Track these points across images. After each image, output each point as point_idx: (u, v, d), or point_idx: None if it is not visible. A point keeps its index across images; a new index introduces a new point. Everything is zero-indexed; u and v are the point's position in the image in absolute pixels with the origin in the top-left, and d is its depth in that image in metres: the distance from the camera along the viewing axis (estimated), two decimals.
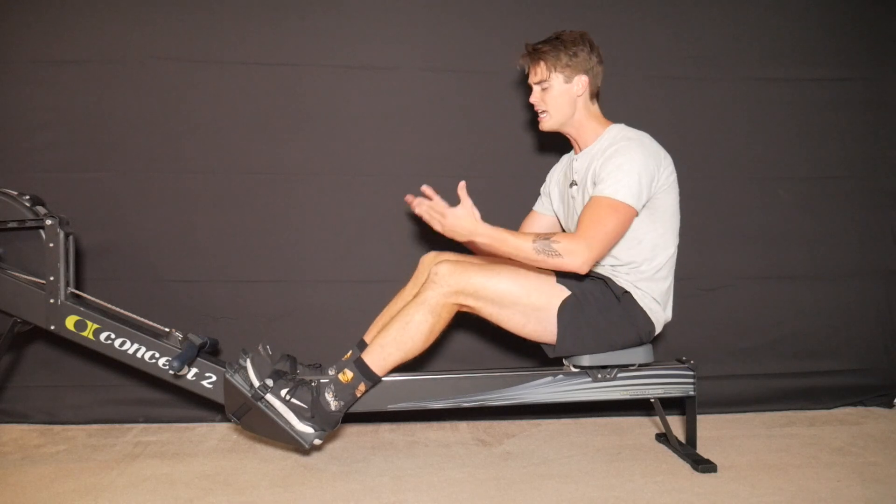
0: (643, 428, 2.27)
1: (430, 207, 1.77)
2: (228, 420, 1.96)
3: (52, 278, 1.88)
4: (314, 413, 1.81)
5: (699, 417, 2.04)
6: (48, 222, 1.87)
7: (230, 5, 2.33)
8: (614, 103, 2.44)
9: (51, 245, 1.88)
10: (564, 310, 1.83)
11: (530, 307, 1.82)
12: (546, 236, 1.74)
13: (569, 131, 1.99)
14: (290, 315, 2.35)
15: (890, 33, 2.55)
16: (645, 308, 1.88)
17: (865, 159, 2.54)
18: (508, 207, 2.28)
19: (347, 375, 1.81)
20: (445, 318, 1.82)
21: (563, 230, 2.11)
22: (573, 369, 1.95)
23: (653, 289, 1.90)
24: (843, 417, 2.39)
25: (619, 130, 1.92)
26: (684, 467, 1.93)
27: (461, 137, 2.41)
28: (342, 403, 1.81)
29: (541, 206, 2.21)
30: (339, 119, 2.38)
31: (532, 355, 2.40)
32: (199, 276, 2.33)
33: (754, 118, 2.50)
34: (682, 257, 2.45)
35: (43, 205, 1.95)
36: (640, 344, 1.93)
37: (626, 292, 1.87)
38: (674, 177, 1.90)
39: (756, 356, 2.49)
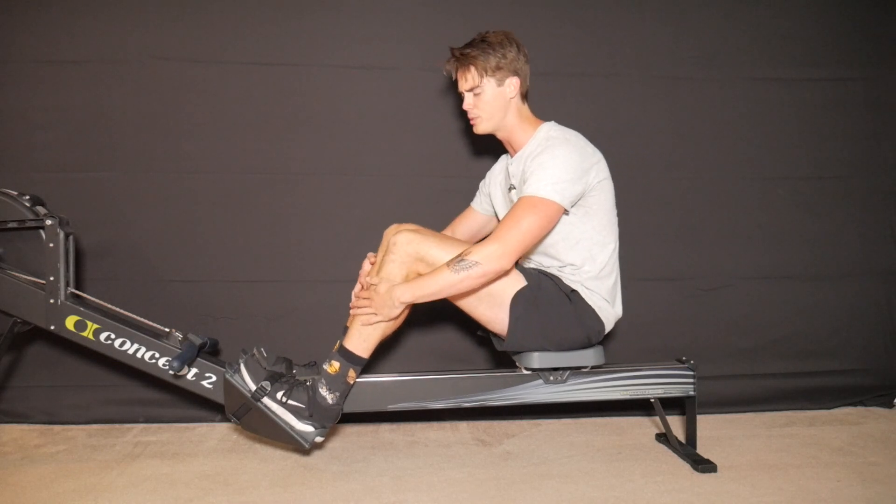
0: (643, 428, 2.27)
1: (360, 302, 1.83)
2: (228, 420, 1.96)
3: (52, 278, 1.88)
4: (312, 411, 1.81)
5: (699, 417, 2.04)
6: (48, 222, 1.87)
7: (230, 5, 2.33)
8: (614, 103, 2.46)
9: (51, 245, 1.88)
10: (518, 300, 1.83)
11: (484, 291, 1.82)
12: (458, 256, 1.74)
13: (502, 135, 1.96)
14: (289, 315, 2.35)
15: (890, 33, 2.55)
16: (594, 306, 1.88)
17: (865, 159, 2.54)
18: None
19: (335, 366, 1.82)
20: None
21: None
22: (525, 372, 1.94)
23: (599, 287, 1.90)
24: (843, 417, 2.39)
25: (548, 130, 1.91)
26: (684, 467, 1.93)
27: (461, 137, 2.41)
28: (338, 395, 1.81)
29: (478, 203, 2.19)
30: (339, 119, 2.38)
31: None
32: (199, 276, 2.33)
33: (754, 118, 2.50)
34: (682, 257, 2.47)
35: (43, 205, 1.95)
36: (589, 343, 1.92)
37: (575, 291, 1.87)
38: (605, 173, 1.89)
39: (756, 356, 2.49)
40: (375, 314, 1.81)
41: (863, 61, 2.54)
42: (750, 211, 2.50)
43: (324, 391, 1.81)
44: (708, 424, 2.26)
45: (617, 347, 2.44)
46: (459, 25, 2.39)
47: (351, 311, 1.92)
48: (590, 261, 1.88)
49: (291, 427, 1.82)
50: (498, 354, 2.40)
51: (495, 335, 1.95)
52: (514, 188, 1.95)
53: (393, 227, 1.96)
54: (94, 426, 2.27)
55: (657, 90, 2.46)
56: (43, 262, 1.88)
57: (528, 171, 1.80)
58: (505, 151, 2.08)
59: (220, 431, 2.23)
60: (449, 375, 1.95)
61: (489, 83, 1.88)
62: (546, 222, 1.78)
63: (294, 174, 2.36)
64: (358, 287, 2.00)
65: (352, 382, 1.84)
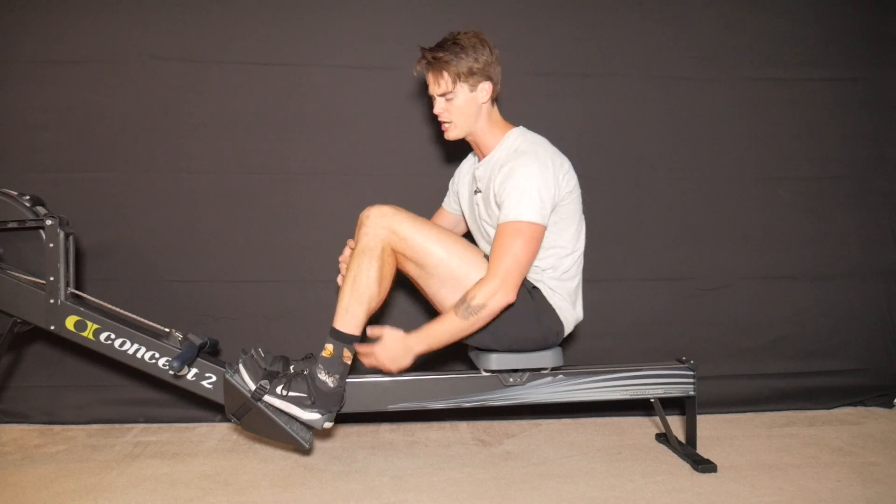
0: (643, 428, 2.27)
1: (366, 356, 1.81)
2: (228, 420, 1.96)
3: (52, 278, 1.88)
4: (315, 398, 1.80)
5: (699, 417, 2.04)
6: (48, 222, 1.87)
7: (230, 5, 2.33)
8: (614, 103, 2.46)
9: (51, 245, 1.88)
10: None
11: (449, 274, 1.81)
12: (462, 300, 1.74)
13: (472, 139, 1.94)
14: (290, 315, 2.35)
15: (890, 33, 2.55)
16: (555, 306, 1.88)
17: (865, 159, 2.54)
18: None
19: (329, 349, 1.81)
20: (389, 261, 1.82)
21: (470, 232, 2.09)
22: (484, 373, 1.93)
23: (561, 287, 1.89)
24: (843, 417, 2.39)
25: (515, 140, 1.88)
26: (684, 467, 1.93)
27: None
28: (338, 377, 1.81)
29: (448, 203, 2.19)
30: (339, 119, 2.38)
31: None
32: (199, 276, 2.33)
33: (754, 118, 2.50)
34: (682, 257, 2.47)
35: (43, 205, 1.94)
36: (547, 345, 1.91)
37: (536, 288, 1.87)
38: (574, 181, 1.88)
39: (756, 356, 2.49)
40: (374, 360, 1.80)
41: (863, 61, 2.54)
42: (750, 211, 2.50)
43: (323, 376, 1.80)
44: (708, 424, 2.26)
45: (617, 347, 2.44)
46: (459, 25, 2.39)
47: (339, 282, 1.89)
48: (553, 268, 1.88)
49: (298, 418, 1.81)
50: None
51: None
52: (480, 192, 1.94)
53: (367, 210, 1.92)
54: (94, 426, 2.27)
55: (657, 90, 2.46)
56: (43, 262, 1.88)
57: (504, 194, 1.78)
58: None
59: (220, 431, 2.23)
60: (449, 375, 1.95)
61: (462, 89, 1.84)
62: (535, 245, 1.78)
63: (294, 174, 2.36)
64: (342, 266, 1.98)
65: (349, 362, 1.83)
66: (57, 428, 2.25)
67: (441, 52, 1.83)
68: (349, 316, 1.81)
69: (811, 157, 2.52)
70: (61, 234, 1.88)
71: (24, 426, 2.26)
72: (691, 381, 2.00)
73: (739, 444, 2.11)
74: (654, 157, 2.47)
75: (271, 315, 2.35)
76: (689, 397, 2.02)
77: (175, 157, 2.32)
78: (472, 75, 1.83)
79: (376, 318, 1.94)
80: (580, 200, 1.92)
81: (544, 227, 1.79)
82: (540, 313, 1.87)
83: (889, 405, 2.50)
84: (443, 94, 1.86)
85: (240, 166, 2.34)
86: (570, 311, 1.92)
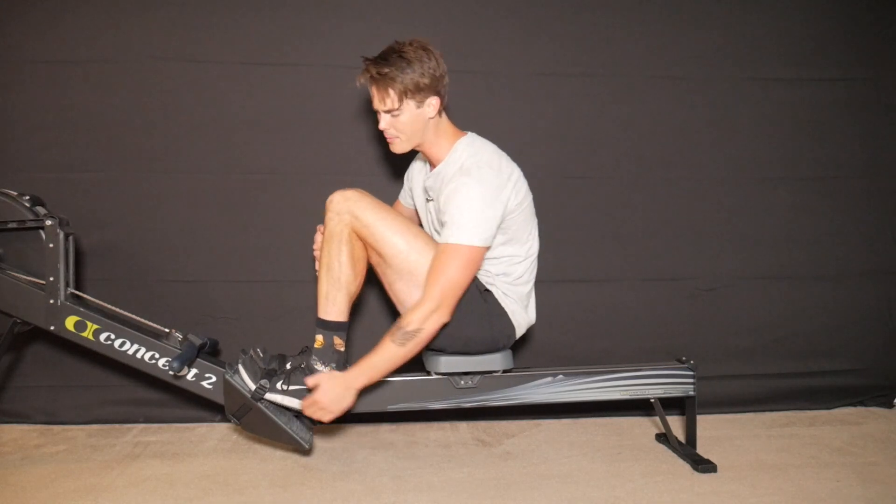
0: (643, 428, 2.27)
1: (308, 407, 1.77)
2: (228, 420, 1.96)
3: (51, 279, 1.88)
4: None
5: (699, 417, 2.04)
6: (48, 223, 1.87)
7: (230, 5, 2.33)
8: (615, 103, 2.46)
9: (51, 245, 1.88)
10: None
11: (406, 266, 1.79)
12: (398, 326, 1.71)
13: (420, 150, 1.89)
14: (290, 315, 2.35)
15: (890, 33, 2.55)
16: (507, 309, 1.87)
17: (865, 159, 2.54)
18: None
19: (319, 340, 1.81)
20: (358, 244, 1.80)
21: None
22: (433, 376, 1.92)
23: (513, 291, 1.88)
24: (843, 417, 2.39)
25: (462, 153, 1.82)
26: (684, 467, 1.93)
27: None
28: (333, 366, 1.81)
29: (404, 197, 2.17)
30: (338, 119, 2.37)
31: (532, 355, 2.40)
32: (199, 276, 2.33)
33: (754, 118, 2.50)
34: (682, 257, 2.47)
35: (43, 205, 1.95)
36: (498, 346, 1.90)
37: (489, 291, 1.86)
38: (522, 192, 1.84)
39: (756, 356, 2.49)
40: (317, 408, 1.76)
41: (863, 61, 2.53)
42: (750, 211, 2.50)
43: (319, 366, 1.81)
44: (708, 424, 2.26)
45: (617, 347, 2.44)
46: (460, 25, 2.40)
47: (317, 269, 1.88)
48: (505, 275, 1.87)
49: (300, 411, 1.81)
50: None
51: None
52: (432, 200, 1.92)
53: (333, 193, 1.89)
54: (94, 426, 2.27)
55: (658, 90, 2.46)
56: (43, 262, 1.88)
57: (447, 214, 1.75)
58: None
59: (220, 431, 2.23)
60: (449, 375, 1.95)
61: (409, 105, 1.76)
62: (473, 267, 1.75)
63: (294, 174, 2.36)
64: (316, 252, 1.96)
65: (342, 349, 1.83)
66: (57, 428, 2.25)
67: (386, 66, 1.73)
68: (330, 303, 1.80)
69: (811, 157, 2.52)
70: (61, 234, 1.88)
71: (24, 426, 2.26)
72: (691, 381, 2.00)
73: (739, 444, 2.12)
74: (654, 157, 2.47)
75: (271, 315, 2.35)
76: (689, 397, 2.02)
77: (175, 157, 2.32)
78: (419, 91, 1.75)
79: (358, 305, 1.93)
80: (531, 207, 1.90)
81: (485, 249, 1.76)
82: (492, 316, 1.85)
83: (889, 405, 2.50)
84: (388, 111, 1.78)
85: (240, 166, 2.34)
86: (522, 314, 1.91)
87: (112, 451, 2.05)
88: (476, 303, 1.83)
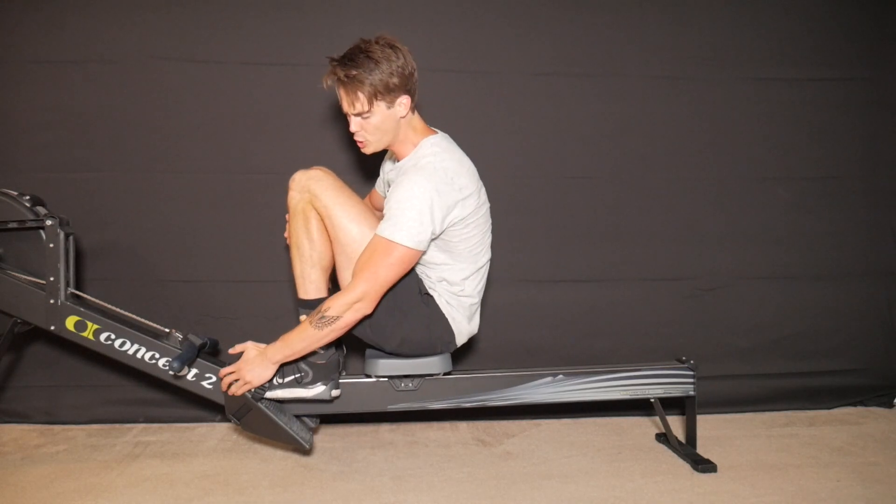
0: (643, 428, 2.27)
1: (228, 377, 1.78)
2: (228, 420, 1.96)
3: (52, 279, 1.88)
4: (312, 373, 1.80)
5: (699, 417, 2.04)
6: (48, 223, 1.87)
7: (230, 5, 2.33)
8: (615, 103, 2.46)
9: (51, 245, 1.88)
10: None
11: (355, 256, 1.75)
12: (318, 310, 1.70)
13: (391, 148, 1.84)
14: (290, 315, 2.35)
15: (890, 33, 2.55)
16: (448, 316, 1.83)
17: (865, 159, 2.54)
18: (514, 206, 2.27)
19: (303, 320, 1.78)
20: (320, 217, 1.78)
21: None
22: (372, 378, 1.90)
23: (456, 301, 1.84)
24: (843, 417, 2.39)
25: (424, 151, 1.77)
26: (684, 467, 1.93)
27: (460, 137, 2.40)
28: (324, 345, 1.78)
29: (380, 186, 2.13)
30: (338, 119, 2.37)
31: (532, 355, 2.40)
32: (199, 276, 2.33)
33: (754, 118, 2.50)
34: (682, 257, 2.47)
35: (43, 205, 1.95)
36: (436, 351, 1.87)
37: (430, 295, 1.82)
38: (473, 208, 1.76)
39: (756, 356, 2.49)
40: (239, 379, 1.77)
41: (863, 61, 2.53)
42: (750, 211, 2.50)
43: None
44: (708, 424, 2.26)
45: (617, 347, 2.44)
46: (459, 25, 2.40)
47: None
48: (445, 282, 1.83)
49: (304, 398, 1.81)
50: (497, 354, 2.40)
51: None
52: None
53: (295, 172, 1.85)
54: (94, 426, 2.27)
55: (657, 90, 2.46)
56: (43, 262, 1.88)
57: (388, 205, 1.70)
58: None
59: (220, 431, 2.23)
60: (449, 375, 1.95)
61: (379, 107, 1.70)
62: (402, 266, 1.70)
63: (294, 174, 2.35)
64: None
65: None
66: (57, 428, 2.25)
67: (354, 68, 1.66)
68: (307, 281, 1.80)
69: (811, 157, 2.52)
70: (61, 234, 1.88)
71: (24, 426, 2.26)
72: (691, 381, 2.00)
73: (739, 444, 2.12)
74: (655, 156, 2.47)
75: (271, 315, 2.35)
76: (689, 397, 2.02)
77: (175, 157, 2.32)
78: (389, 92, 1.68)
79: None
80: (484, 223, 1.83)
81: (418, 253, 1.70)
82: (431, 321, 1.82)
83: (889, 405, 2.50)
84: (358, 114, 1.72)
85: (240, 166, 2.34)
86: (464, 324, 1.87)
87: (112, 451, 2.05)
88: (415, 305, 1.80)
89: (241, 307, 2.34)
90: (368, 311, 1.71)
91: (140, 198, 2.31)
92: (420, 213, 1.66)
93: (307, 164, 2.34)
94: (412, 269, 1.80)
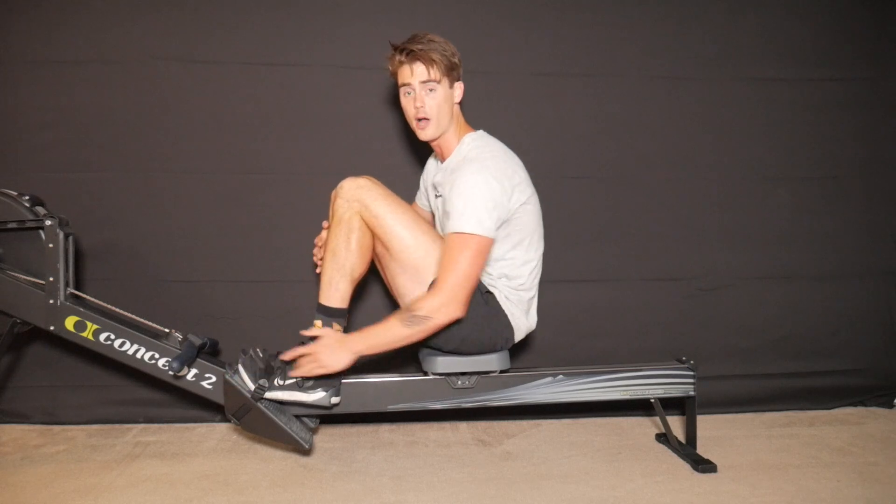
0: (643, 428, 2.27)
1: (302, 358, 1.76)
2: (228, 420, 1.96)
3: (51, 279, 1.88)
4: (314, 378, 1.79)
5: (699, 417, 2.04)
6: (48, 223, 1.87)
7: (230, 5, 2.33)
8: (615, 104, 2.46)
9: (50, 245, 1.88)
10: None
11: (410, 262, 1.78)
12: (408, 308, 1.72)
13: (437, 142, 1.91)
14: (290, 315, 2.34)
15: (890, 33, 2.55)
16: (507, 312, 1.86)
17: (865, 159, 2.54)
18: None
19: (318, 325, 1.80)
20: (367, 231, 1.79)
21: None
22: (430, 376, 1.92)
23: (515, 296, 1.88)
24: (843, 417, 2.39)
25: (468, 145, 1.86)
26: (684, 467, 1.93)
27: None
28: None
29: (420, 199, 2.17)
30: (339, 119, 2.38)
31: (532, 355, 2.40)
32: (199, 276, 2.33)
33: (754, 118, 2.50)
34: (682, 257, 2.47)
35: (43, 205, 1.95)
36: (495, 349, 1.89)
37: (490, 293, 1.85)
38: (529, 192, 1.84)
39: (756, 356, 2.49)
40: (314, 362, 1.75)
41: (863, 61, 2.53)
42: (750, 211, 2.50)
43: None
44: (708, 424, 2.25)
45: (617, 347, 2.44)
46: (459, 25, 2.40)
47: (315, 262, 1.90)
48: (506, 277, 1.87)
49: (304, 402, 1.80)
50: None
51: None
52: (441, 196, 1.92)
53: (342, 181, 1.87)
54: (94, 426, 2.27)
55: (657, 90, 2.46)
56: (43, 262, 1.88)
57: (450, 203, 1.75)
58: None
59: (220, 431, 2.23)
60: (449, 376, 1.95)
61: (444, 83, 1.82)
62: (482, 258, 1.74)
63: (294, 174, 2.36)
64: (317, 249, 2.00)
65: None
66: (57, 428, 2.25)
67: (424, 43, 1.80)
68: (333, 289, 1.79)
69: (811, 157, 2.52)
70: (61, 235, 1.88)
71: (24, 426, 2.26)
72: (691, 381, 2.00)
73: (739, 444, 2.11)
74: (655, 156, 2.47)
75: (271, 315, 2.35)
76: (689, 397, 2.02)
77: (175, 157, 2.32)
78: (452, 70, 1.83)
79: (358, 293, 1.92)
80: (537, 212, 1.90)
81: (491, 240, 1.75)
82: (492, 318, 1.85)
83: (889, 405, 2.50)
84: (425, 82, 1.81)
85: (240, 166, 2.34)
86: (522, 319, 1.90)
87: (112, 451, 2.05)
88: (477, 304, 1.82)
89: (241, 307, 2.34)
90: (459, 313, 1.72)
91: (140, 198, 2.31)
92: (485, 202, 1.72)
93: (307, 164, 2.36)
94: None
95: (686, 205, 2.48)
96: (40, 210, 1.91)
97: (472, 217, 1.70)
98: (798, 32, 2.51)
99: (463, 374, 1.91)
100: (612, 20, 2.44)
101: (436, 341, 1.84)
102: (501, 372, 1.94)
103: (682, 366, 2.01)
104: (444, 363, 1.90)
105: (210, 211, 2.33)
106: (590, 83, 2.44)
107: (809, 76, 2.51)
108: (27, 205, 1.90)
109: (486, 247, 1.74)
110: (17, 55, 2.27)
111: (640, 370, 1.99)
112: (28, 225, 1.89)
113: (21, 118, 2.28)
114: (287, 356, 1.79)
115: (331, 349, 1.74)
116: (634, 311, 2.46)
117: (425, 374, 1.94)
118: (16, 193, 1.91)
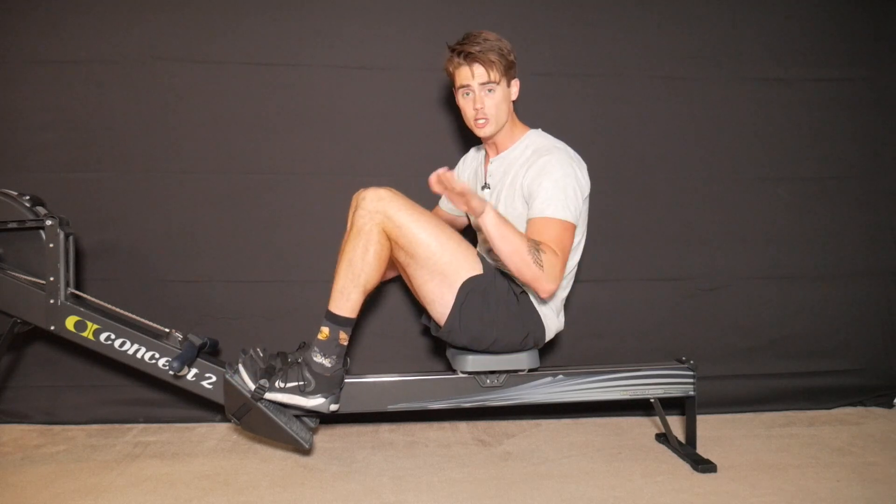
0: (643, 428, 2.27)
1: (454, 184, 1.63)
2: (228, 420, 1.96)
3: (52, 279, 1.88)
4: (315, 383, 1.79)
5: (699, 417, 2.04)
6: (48, 223, 1.87)
7: (230, 5, 2.33)
8: (615, 104, 2.46)
9: (51, 245, 1.88)
10: (468, 287, 1.79)
11: (438, 268, 1.78)
12: (536, 243, 1.71)
13: (494, 138, 1.93)
14: (290, 315, 2.35)
15: (890, 33, 2.55)
16: (540, 313, 1.87)
17: (865, 159, 2.54)
18: None
19: (325, 332, 1.79)
20: (385, 243, 1.78)
21: (471, 226, 2.07)
22: (460, 374, 1.93)
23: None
24: (843, 417, 2.39)
25: (537, 139, 1.90)
26: (684, 467, 1.93)
27: (461, 137, 2.41)
28: (335, 357, 1.79)
29: (445, 202, 2.18)
30: (339, 119, 2.38)
31: None
32: (199, 276, 2.33)
33: (754, 118, 2.50)
34: (682, 257, 2.47)
35: (43, 205, 1.95)
36: (525, 349, 1.90)
37: (524, 293, 1.86)
38: (589, 187, 1.89)
39: (756, 356, 2.49)
40: (464, 201, 1.64)
41: (863, 61, 2.54)
42: (750, 211, 2.50)
43: (319, 358, 1.78)
44: (708, 424, 2.26)
45: (617, 347, 2.44)
46: (459, 26, 2.39)
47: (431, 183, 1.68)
48: None
49: (302, 407, 1.80)
50: None
51: (432, 320, 1.92)
52: (489, 187, 1.93)
53: (361, 191, 1.83)
54: (94, 426, 2.27)
55: (657, 90, 2.46)
56: (43, 262, 1.88)
57: (541, 188, 1.76)
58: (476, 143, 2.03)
59: (220, 431, 2.23)
60: (449, 375, 1.95)
61: (503, 83, 1.86)
62: (571, 243, 1.80)
63: (294, 174, 2.36)
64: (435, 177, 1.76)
65: (345, 343, 1.82)
66: (57, 428, 2.25)
67: (481, 48, 1.81)
68: (344, 298, 1.79)
69: (811, 157, 2.52)
70: (61, 235, 1.89)
71: (24, 426, 2.26)
72: (691, 381, 2.00)
73: (739, 444, 2.12)
74: (655, 156, 2.47)
75: (271, 315, 2.35)
76: (689, 397, 2.02)
77: (175, 157, 2.32)
78: (510, 69, 1.86)
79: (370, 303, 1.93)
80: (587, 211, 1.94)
81: (574, 228, 1.80)
82: (524, 318, 1.86)
83: (889, 405, 2.50)
84: (485, 83, 1.83)
85: (240, 166, 2.34)
86: (553, 319, 1.92)
87: (112, 451, 2.05)
88: (510, 304, 1.83)
89: (241, 307, 2.34)
90: (554, 288, 1.72)
91: (140, 198, 2.31)
92: (574, 191, 1.78)
93: (307, 164, 2.36)
94: (504, 276, 1.85)
95: (686, 205, 2.48)
96: (41, 210, 1.92)
97: (568, 207, 1.75)
98: (797, 32, 2.51)
99: (492, 372, 1.92)
100: (612, 20, 2.44)
101: (467, 342, 1.85)
102: (530, 371, 1.94)
103: (682, 366, 2.01)
104: (474, 361, 1.90)
105: (210, 211, 2.33)
106: (590, 83, 2.44)
107: (809, 76, 2.51)
108: (27, 205, 1.90)
109: (572, 233, 1.79)
110: (17, 55, 2.27)
111: (640, 370, 2.00)
112: (28, 225, 1.89)
113: (21, 118, 2.28)
114: (442, 171, 1.63)
115: (480, 199, 1.67)
116: (634, 311, 2.46)
117: (454, 372, 1.94)
118: (16, 193, 1.91)
